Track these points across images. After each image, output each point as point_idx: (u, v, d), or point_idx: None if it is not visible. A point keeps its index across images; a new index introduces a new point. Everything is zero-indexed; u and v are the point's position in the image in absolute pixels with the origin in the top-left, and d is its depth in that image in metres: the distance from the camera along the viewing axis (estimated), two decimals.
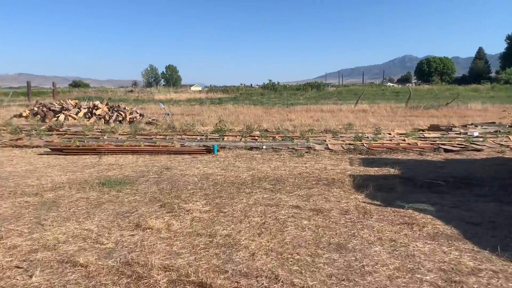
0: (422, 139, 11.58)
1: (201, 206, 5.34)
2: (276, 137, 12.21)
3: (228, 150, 10.18)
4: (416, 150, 9.81)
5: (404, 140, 11.18)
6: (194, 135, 12.76)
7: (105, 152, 9.54)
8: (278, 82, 56.47)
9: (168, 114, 17.32)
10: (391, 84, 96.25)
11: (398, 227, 4.54)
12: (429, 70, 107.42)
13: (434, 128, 13.75)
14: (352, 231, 4.41)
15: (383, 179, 6.86)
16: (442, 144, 10.50)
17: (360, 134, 12.18)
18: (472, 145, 10.23)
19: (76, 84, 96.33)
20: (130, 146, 10.58)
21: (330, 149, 10.09)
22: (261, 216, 4.91)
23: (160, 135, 12.82)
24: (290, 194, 5.91)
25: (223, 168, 7.88)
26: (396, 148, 10.02)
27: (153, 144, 10.92)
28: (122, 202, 5.62)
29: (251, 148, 10.30)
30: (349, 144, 10.72)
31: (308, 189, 6.23)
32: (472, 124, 14.38)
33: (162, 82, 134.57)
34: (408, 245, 4.02)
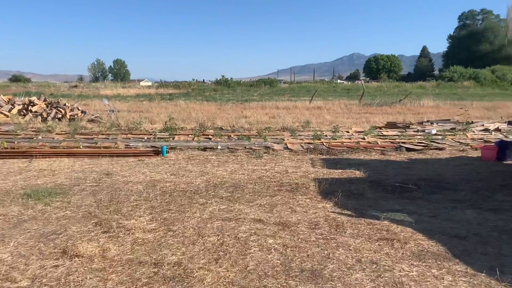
0: (381, 137, 11.26)
1: (145, 223, 4.47)
2: (232, 135, 11.43)
3: (179, 151, 9.28)
4: (378, 149, 9.42)
5: (364, 139, 10.79)
6: (141, 134, 11.70)
7: (36, 155, 8.33)
8: (232, 78, 55.57)
9: (113, 111, 16.04)
10: (341, 81, 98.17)
11: (377, 244, 3.93)
12: (377, 68, 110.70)
13: (391, 125, 13.55)
14: (326, 252, 3.74)
15: (350, 183, 6.29)
16: (402, 142, 10.19)
17: (318, 133, 11.67)
18: (434, 143, 9.99)
19: (16, 79, 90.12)
20: (67, 147, 9.40)
21: (289, 149, 9.46)
22: (218, 235, 4.13)
23: (102, 134, 11.65)
24: (251, 204, 5.17)
25: (173, 173, 7.01)
26: (357, 147, 9.58)
27: (94, 145, 9.79)
28: (48, 219, 4.63)
29: (204, 149, 9.46)
30: (309, 143, 10.16)
31: (271, 197, 5.52)
32: (428, 121, 14.36)
33: (110, 77, 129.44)
34: (393, 269, 3.40)
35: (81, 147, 9.45)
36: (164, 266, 3.43)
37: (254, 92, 44.30)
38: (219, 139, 10.76)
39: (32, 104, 16.10)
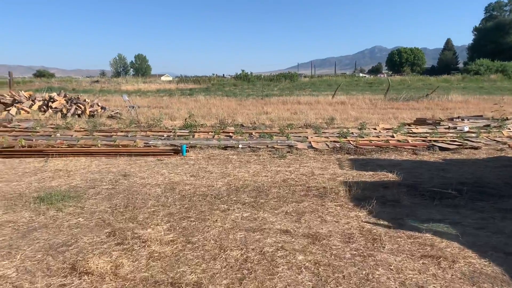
0: (411, 135, 10.66)
1: (163, 233, 4.11)
2: (253, 133, 11.02)
3: (199, 150, 8.93)
4: (409, 149, 8.86)
5: (393, 137, 10.22)
6: (160, 132, 11.41)
7: (53, 154, 8.11)
8: (251, 73, 55.10)
9: (133, 107, 15.83)
10: (363, 75, 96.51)
11: (421, 262, 3.47)
12: (400, 61, 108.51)
13: (420, 122, 12.90)
14: (364, 272, 3.30)
15: (383, 187, 5.80)
16: (434, 141, 9.59)
17: (344, 130, 11.15)
18: (468, 142, 9.36)
19: (41, 74, 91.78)
20: (85, 145, 9.17)
21: (314, 147, 9.00)
22: (242, 249, 3.74)
23: (121, 131, 11.40)
24: (276, 212, 4.76)
25: (193, 175, 6.64)
26: (386, 146, 9.04)
27: (112, 143, 9.53)
28: (60, 227, 4.32)
29: (225, 148, 9.08)
30: (334, 141, 9.67)
31: (297, 203, 5.10)
32: (458, 117, 13.63)
33: (131, 71, 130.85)
34: None
35: (99, 145, 9.20)
36: (182, 287, 3.05)
37: (274, 87, 43.77)
38: (240, 137, 10.36)
39: (52, 100, 16.03)
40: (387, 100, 20.52)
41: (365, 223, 4.38)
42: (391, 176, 6.43)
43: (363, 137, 10.12)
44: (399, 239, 3.95)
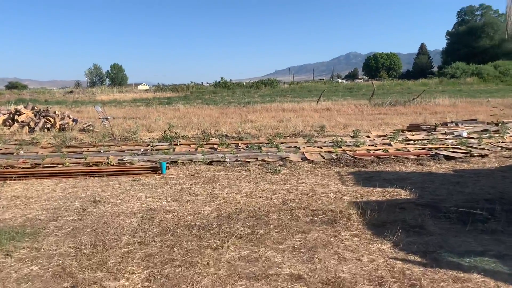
0: (409, 142, 9.97)
1: (140, 286, 3.16)
2: (239, 144, 10.12)
3: (181, 166, 7.96)
4: (411, 158, 8.11)
5: (390, 145, 9.49)
6: (137, 145, 10.38)
7: (12, 176, 7.02)
8: (231, 80, 54.30)
9: (107, 119, 14.72)
10: (341, 80, 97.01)
11: None
12: (376, 66, 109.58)
13: (414, 128, 12.26)
14: None
15: (399, 208, 4.98)
16: (436, 148, 8.89)
17: (337, 139, 10.39)
18: (472, 149, 8.69)
19: (12, 86, 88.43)
20: (51, 164, 8.09)
21: (308, 159, 8.16)
22: None
23: (94, 146, 10.32)
24: (281, 247, 3.86)
25: (176, 198, 5.69)
26: (386, 156, 8.27)
27: (82, 160, 8.47)
28: (4, 282, 3.32)
29: (210, 162, 8.14)
30: (329, 152, 8.86)
31: (304, 233, 4.22)
32: (452, 121, 13.07)
33: (107, 81, 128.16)
34: None
35: (67, 163, 8.13)
36: None
37: (254, 94, 43.02)
38: (225, 150, 9.45)
39: (18, 113, 14.76)
40: (372, 105, 19.96)
41: (394, 260, 3.53)
42: (403, 193, 5.62)
43: (359, 146, 9.35)
44: (443, 284, 3.11)
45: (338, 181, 6.50)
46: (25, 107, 15.44)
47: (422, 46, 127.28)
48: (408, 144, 9.71)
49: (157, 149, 9.68)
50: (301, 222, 4.57)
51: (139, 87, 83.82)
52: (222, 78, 54.04)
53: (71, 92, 53.26)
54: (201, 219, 4.77)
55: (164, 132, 10.96)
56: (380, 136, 11.07)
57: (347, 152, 8.76)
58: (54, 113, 15.33)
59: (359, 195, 5.61)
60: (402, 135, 11.00)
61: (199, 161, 8.21)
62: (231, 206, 5.24)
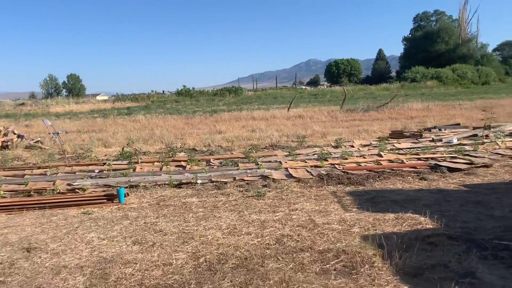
0: (400, 152, 9.05)
1: None
2: (211, 160, 8.86)
3: (144, 191, 6.61)
4: (409, 171, 7.15)
5: (380, 156, 8.53)
6: (91, 165, 8.90)
7: None
8: (194, 88, 52.66)
9: (57, 134, 13.03)
10: (303, 87, 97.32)
11: None
12: (337, 72, 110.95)
13: (397, 134, 11.42)
14: None
15: (428, 244, 3.90)
16: (432, 158, 8.00)
17: (319, 149, 9.34)
18: (471, 158, 7.85)
19: None
20: None
21: (294, 177, 7.02)
22: None
23: (39, 167, 8.74)
24: None
25: (137, 240, 4.37)
26: (381, 170, 7.27)
27: (21, 187, 6.95)
28: None
29: (179, 185, 6.83)
30: (315, 166, 7.77)
31: None
32: (435, 127, 12.36)
33: (64, 92, 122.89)
34: None
35: (1, 192, 6.60)
36: None
37: (219, 102, 41.73)
38: (196, 167, 8.16)
39: None
40: (344, 111, 19.20)
41: None
42: (424, 221, 4.55)
43: (347, 159, 8.32)
44: None
45: (337, 205, 5.38)
46: None
47: (380, 52, 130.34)
48: (398, 154, 8.78)
49: (114, 169, 8.25)
50: (310, 273, 3.39)
51: (98, 97, 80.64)
52: (184, 86, 52.41)
53: (23, 104, 49.96)
54: (173, 273, 3.50)
55: (123, 149, 9.50)
56: (365, 145, 10.13)
57: (336, 166, 7.69)
58: None
59: (370, 225, 4.51)
60: (388, 143, 10.10)
61: (165, 184, 6.89)
62: (211, 249, 3.99)
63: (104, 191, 6.61)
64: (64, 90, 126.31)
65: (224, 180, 6.99)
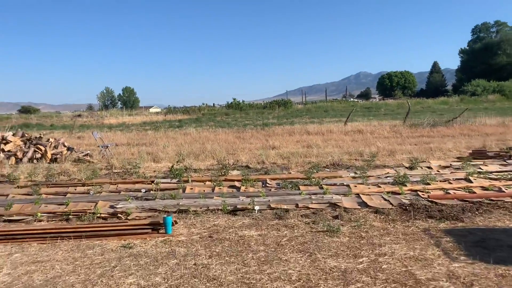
0: (491, 177, 7.61)
1: None
2: (268, 180, 7.87)
3: (194, 217, 5.71)
4: None
5: (470, 181, 7.16)
6: (138, 182, 8.20)
7: None
8: (243, 101, 52.40)
9: (107, 147, 12.62)
10: (356, 100, 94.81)
11: None
12: (391, 85, 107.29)
13: (478, 154, 9.89)
14: None
15: None
16: None
17: (393, 171, 8.10)
18: None
19: (26, 110, 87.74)
20: (19, 214, 5.91)
21: (370, 206, 5.87)
22: None
23: (83, 185, 8.15)
24: None
25: None
26: (476, 200, 5.94)
27: (62, 208, 6.29)
28: None
29: (234, 212, 5.89)
30: (392, 192, 6.57)
31: None
32: None
33: (119, 104, 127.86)
34: None
35: (39, 214, 5.96)
36: None
37: (268, 115, 40.98)
38: (251, 189, 7.22)
39: (5, 141, 12.76)
40: (408, 126, 17.63)
41: None
42: None
43: (429, 184, 7.03)
44: None
45: (437, 249, 4.18)
46: (13, 135, 13.44)
47: (435, 64, 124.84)
48: (490, 179, 7.36)
49: (163, 189, 7.48)
50: None
51: (151, 110, 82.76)
52: (234, 99, 52.23)
53: (79, 115, 51.80)
54: None
55: (172, 166, 8.71)
56: (444, 167, 8.74)
57: (419, 193, 6.45)
58: (48, 140, 13.30)
59: (495, 286, 3.29)
60: (472, 164, 8.64)
61: (217, 209, 5.97)
62: None
63: (149, 216, 5.81)
64: (120, 102, 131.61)
65: (285, 207, 5.97)
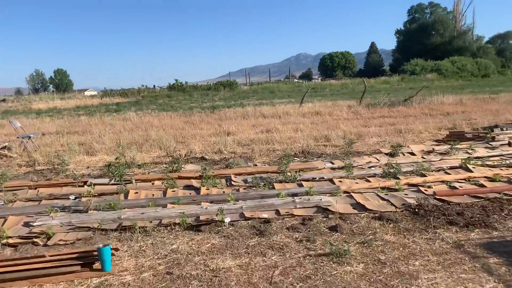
0: (488, 163, 6.72)
1: None
2: (232, 176, 6.44)
3: (143, 239, 4.18)
4: None
5: (469, 170, 6.21)
6: (66, 184, 6.45)
7: None
8: (187, 82, 49.86)
9: (29, 137, 10.51)
10: (301, 80, 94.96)
11: None
12: (332, 65, 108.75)
13: (457, 136, 9.09)
14: None
15: None
16: None
17: (374, 160, 6.99)
18: None
19: None
20: None
21: (368, 209, 4.66)
22: None
23: None
24: None
25: None
26: (493, 197, 4.93)
27: None
28: None
29: (197, 227, 4.41)
30: (388, 189, 5.42)
31: None
32: (496, 126, 10.08)
33: (51, 88, 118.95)
34: None
35: None
36: None
37: (214, 97, 39.10)
38: (214, 191, 5.77)
39: None
40: (364, 106, 16.85)
41: None
42: None
43: (425, 175, 5.97)
44: None
45: (493, 280, 3.02)
46: None
47: (373, 45, 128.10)
48: (488, 166, 6.46)
49: (98, 194, 5.81)
50: None
51: (86, 93, 77.36)
52: (177, 80, 49.58)
53: (4, 100, 46.80)
54: None
55: (109, 165, 6.93)
56: (428, 152, 7.81)
57: (420, 188, 5.35)
58: None
59: None
60: (459, 149, 7.75)
61: (174, 224, 4.47)
62: None
63: (79, 239, 4.20)
64: (51, 85, 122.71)
65: (264, 216, 4.60)
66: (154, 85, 67.19)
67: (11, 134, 13.63)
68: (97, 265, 3.51)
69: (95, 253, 3.50)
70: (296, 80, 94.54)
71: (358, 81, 60.67)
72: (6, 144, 10.78)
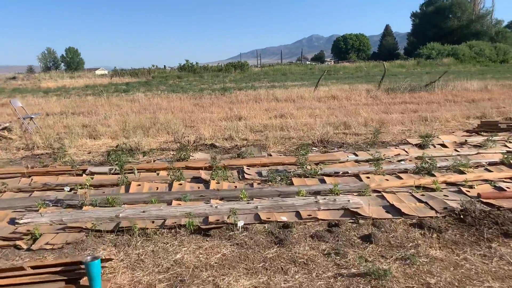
0: None
1: None
2: (245, 168, 5.81)
3: (142, 244, 3.58)
4: None
5: (509, 165, 5.48)
6: (63, 173, 5.88)
7: None
8: (197, 63, 49.01)
9: (31, 118, 9.97)
10: (311, 62, 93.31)
11: None
12: (346, 48, 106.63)
13: (489, 126, 8.32)
14: None
15: None
16: None
17: (408, 152, 6.30)
18: None
19: None
20: None
21: (404, 213, 4.00)
22: None
23: None
24: None
25: None
26: None
27: None
28: None
29: (205, 230, 3.81)
30: (424, 188, 4.74)
31: None
32: None
33: (63, 66, 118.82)
34: None
35: None
36: None
37: (224, 78, 38.28)
38: (225, 185, 5.15)
39: None
40: (383, 90, 16.00)
41: None
42: None
43: (464, 173, 5.28)
44: None
45: None
46: None
47: (388, 28, 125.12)
48: None
49: (97, 185, 5.23)
50: None
51: (97, 72, 76.94)
52: (187, 60, 48.72)
53: (14, 78, 46.50)
54: None
55: (109, 153, 6.32)
56: (460, 144, 7.08)
57: (462, 188, 4.67)
58: None
59: None
60: (494, 141, 7.00)
61: (180, 226, 3.87)
62: None
63: (68, 243, 3.62)
64: (63, 64, 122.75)
65: (283, 219, 3.97)
66: (164, 66, 66.37)
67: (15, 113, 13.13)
68: (84, 280, 2.92)
69: (83, 266, 2.91)
70: (309, 62, 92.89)
71: (373, 64, 59.27)
72: (7, 124, 10.25)
